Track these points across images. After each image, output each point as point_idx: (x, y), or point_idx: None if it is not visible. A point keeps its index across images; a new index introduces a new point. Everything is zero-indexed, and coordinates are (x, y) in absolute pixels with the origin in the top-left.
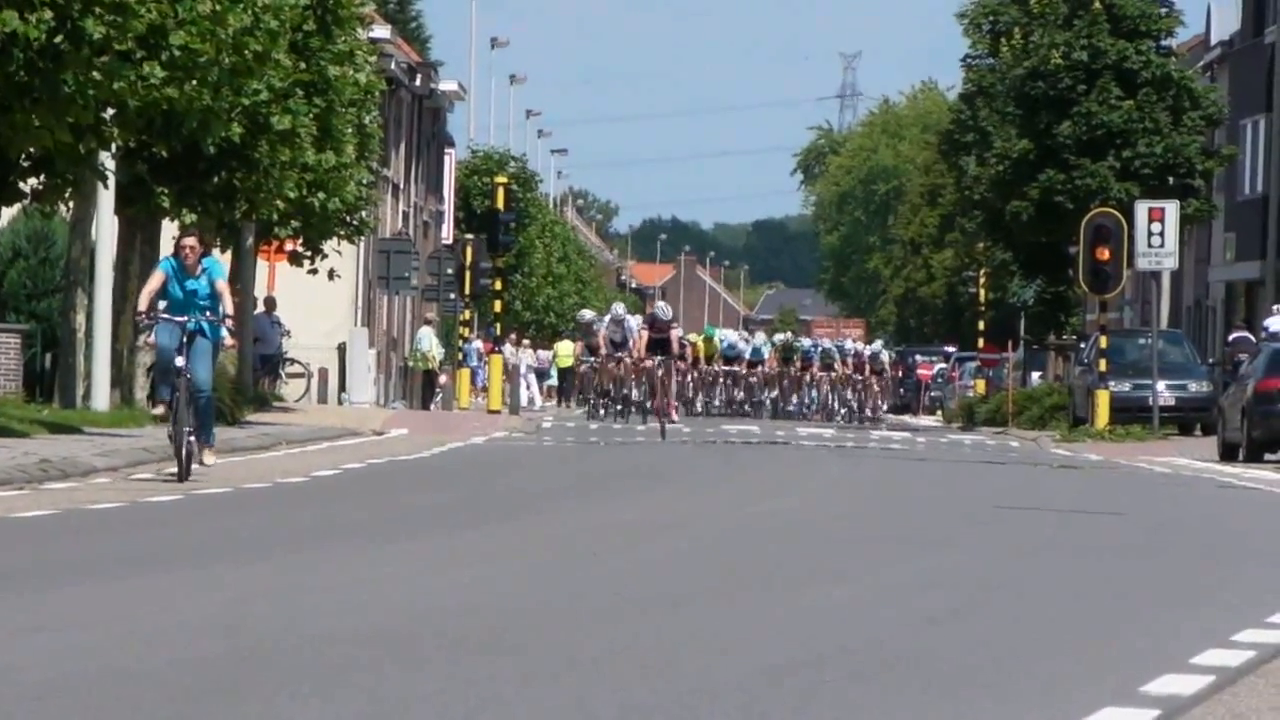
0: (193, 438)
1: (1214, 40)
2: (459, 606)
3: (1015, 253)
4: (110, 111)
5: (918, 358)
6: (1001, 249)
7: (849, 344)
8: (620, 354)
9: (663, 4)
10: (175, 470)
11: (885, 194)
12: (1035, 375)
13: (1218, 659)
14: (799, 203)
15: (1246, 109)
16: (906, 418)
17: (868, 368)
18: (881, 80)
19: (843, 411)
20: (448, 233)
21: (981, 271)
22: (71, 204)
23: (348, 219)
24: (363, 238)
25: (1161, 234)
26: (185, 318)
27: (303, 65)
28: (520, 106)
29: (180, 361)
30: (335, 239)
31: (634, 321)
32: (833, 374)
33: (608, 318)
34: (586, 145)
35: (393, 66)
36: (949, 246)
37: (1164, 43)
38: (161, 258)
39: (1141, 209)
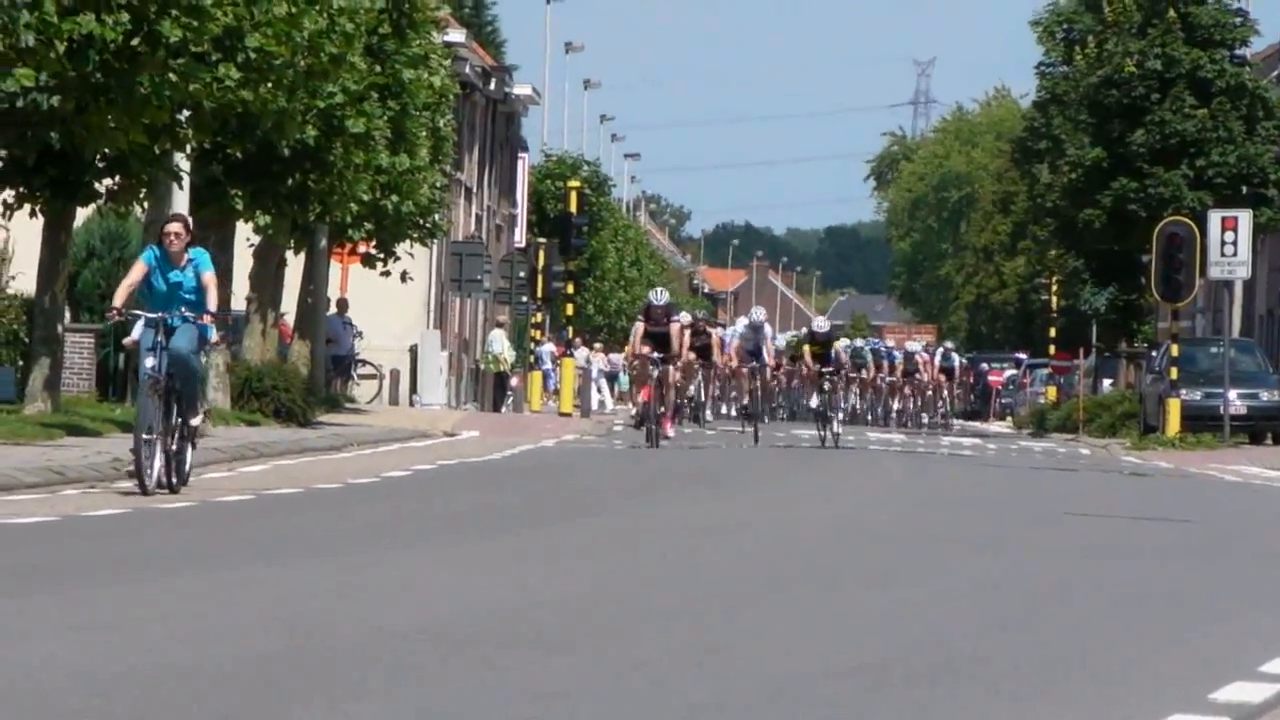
0: (174, 446)
1: None
2: (523, 605)
3: (1087, 260)
4: (185, 113)
5: (989, 364)
6: (1074, 257)
7: (911, 345)
8: (754, 364)
9: (737, 9)
10: (139, 485)
11: (958, 201)
12: (1106, 383)
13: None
14: (871, 209)
15: None
16: (977, 423)
17: (926, 372)
18: (955, 87)
19: (897, 414)
20: (520, 236)
21: (1053, 279)
22: (146, 205)
23: (421, 222)
24: (435, 240)
25: (1234, 243)
26: (166, 314)
27: (378, 68)
28: (594, 111)
29: (151, 362)
30: (408, 241)
31: (769, 329)
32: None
33: (741, 323)
34: (660, 150)
35: (467, 70)
36: (1021, 254)
37: (1238, 52)
38: (144, 248)
39: (1214, 218)
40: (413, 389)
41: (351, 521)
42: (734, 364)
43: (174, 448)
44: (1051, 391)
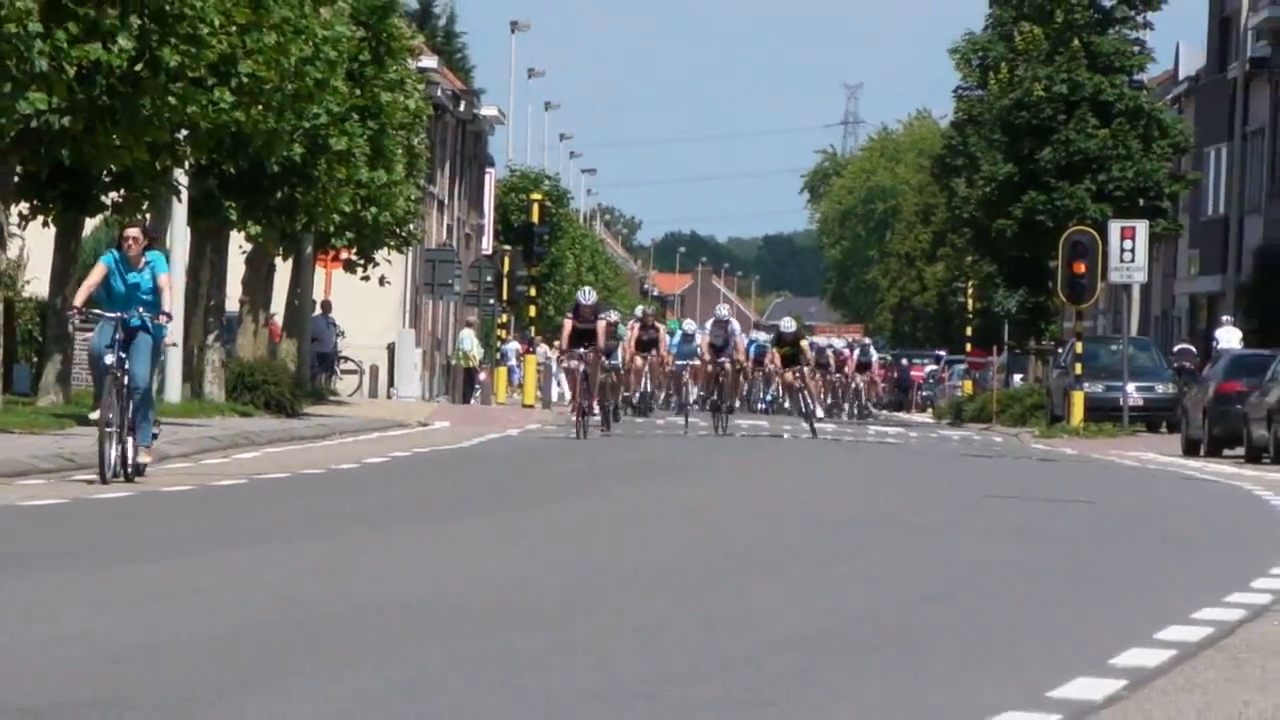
0: (130, 438)
1: (1181, 75)
2: (500, 583)
3: (1000, 266)
4: (184, 132)
5: (911, 360)
6: (988, 263)
7: (836, 341)
8: (722, 359)
9: (684, 38)
10: (98, 472)
11: (883, 212)
12: (1017, 377)
13: (1179, 635)
14: (805, 219)
15: (1210, 138)
16: (901, 414)
17: (850, 364)
18: (881, 109)
19: (828, 405)
20: (488, 244)
21: (969, 283)
22: (148, 216)
23: (397, 231)
24: (410, 248)
25: (1132, 250)
26: (125, 314)
27: (358, 91)
28: (554, 130)
29: (110, 359)
30: (386, 249)
31: (737, 325)
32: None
33: (709, 322)
34: (613, 165)
35: (439, 93)
36: (940, 260)
37: (1136, 77)
38: (103, 251)
39: (1115, 228)
40: (390, 383)
41: (339, 505)
42: (705, 357)
43: (128, 440)
44: (968, 385)
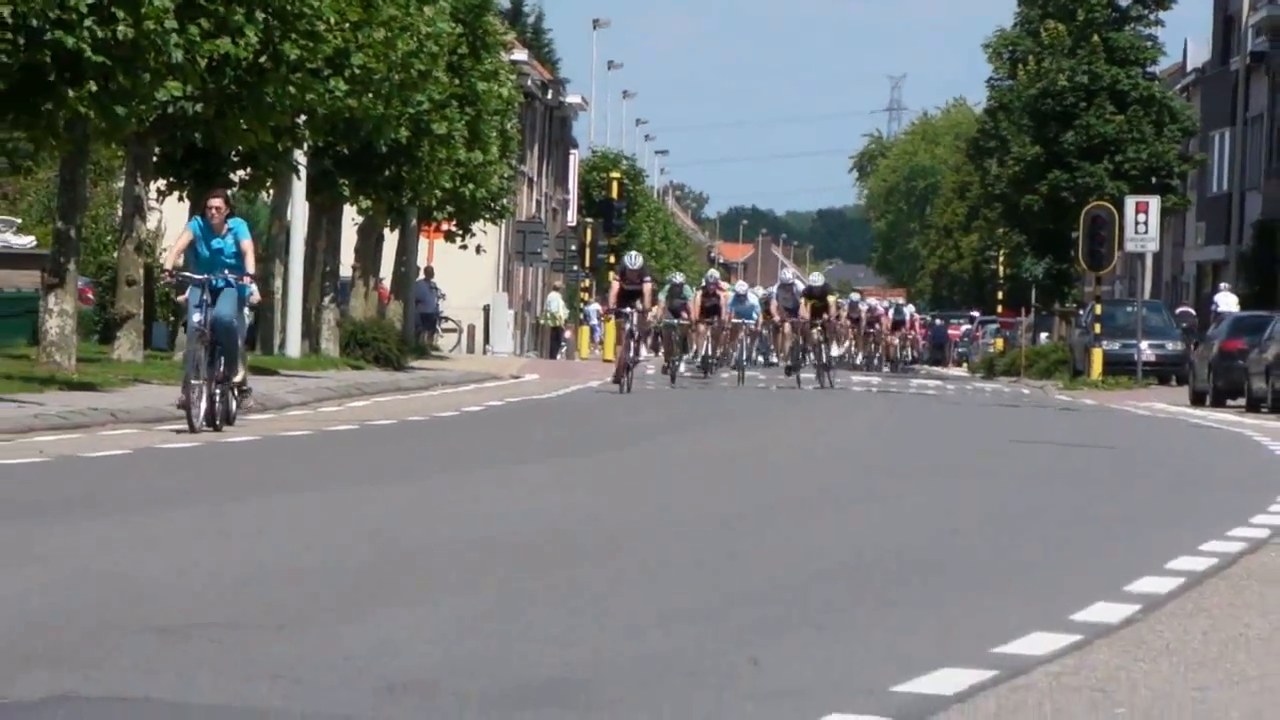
0: (219, 389)
1: (1189, 67)
2: (571, 521)
3: (1028, 237)
4: (303, 118)
5: (948, 320)
6: (1017, 234)
7: (872, 300)
8: (793, 319)
9: (747, 34)
10: (187, 422)
11: (924, 189)
12: (1043, 335)
13: (1187, 565)
14: (854, 195)
15: (1215, 123)
16: (939, 369)
17: (884, 321)
18: (922, 97)
19: (864, 360)
20: (572, 217)
21: (1000, 252)
22: (271, 192)
23: (492, 205)
24: (503, 220)
25: (1146, 223)
26: (211, 275)
27: (457, 81)
28: (631, 115)
29: (197, 317)
30: (481, 221)
31: (801, 286)
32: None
33: (775, 287)
34: (684, 147)
35: (529, 83)
36: (974, 231)
37: (1149, 69)
38: (189, 218)
39: (1130, 203)
40: (486, 340)
41: (435, 449)
42: (777, 319)
43: (217, 393)
44: (999, 343)
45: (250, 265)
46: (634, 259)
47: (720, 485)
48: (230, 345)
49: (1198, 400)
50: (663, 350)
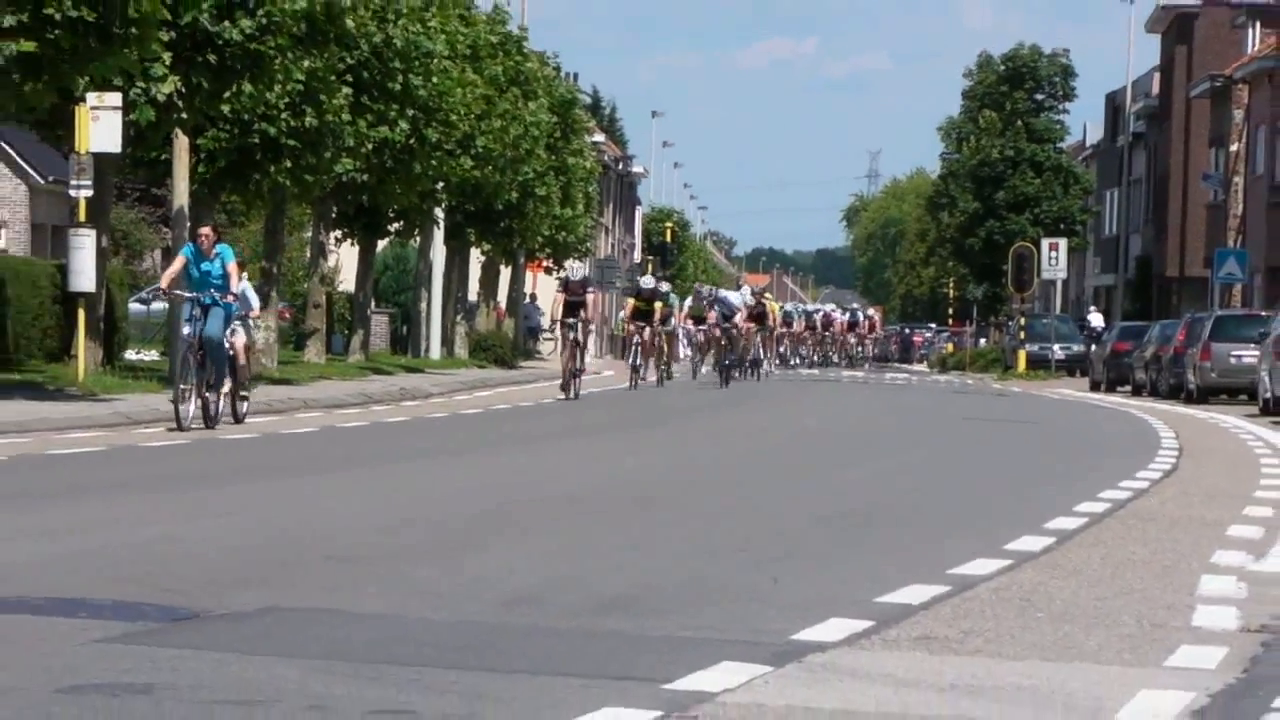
0: (208, 393)
1: (1087, 143)
2: (626, 480)
3: (971, 268)
4: (441, 185)
5: (913, 330)
6: (963, 266)
7: (825, 307)
8: (728, 325)
9: (763, 120)
10: (175, 422)
11: (894, 234)
12: (982, 340)
13: (1089, 508)
14: (844, 239)
15: (1106, 184)
16: (906, 365)
17: (837, 325)
18: (893, 166)
19: (815, 358)
20: (637, 255)
21: (951, 279)
22: (418, 238)
23: (578, 247)
24: (587, 257)
25: (1057, 258)
26: (200, 294)
27: (553, 157)
28: (680, 180)
29: (187, 330)
30: (571, 258)
31: (735, 297)
32: (789, 331)
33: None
34: (719, 202)
35: (605, 157)
36: (932, 265)
37: (1058, 145)
38: (185, 244)
39: (1045, 243)
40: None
41: (535, 426)
42: (710, 326)
43: (209, 397)
44: (950, 346)
45: (234, 285)
46: (576, 271)
47: (743, 451)
48: (219, 359)
49: (1095, 387)
50: (712, 352)
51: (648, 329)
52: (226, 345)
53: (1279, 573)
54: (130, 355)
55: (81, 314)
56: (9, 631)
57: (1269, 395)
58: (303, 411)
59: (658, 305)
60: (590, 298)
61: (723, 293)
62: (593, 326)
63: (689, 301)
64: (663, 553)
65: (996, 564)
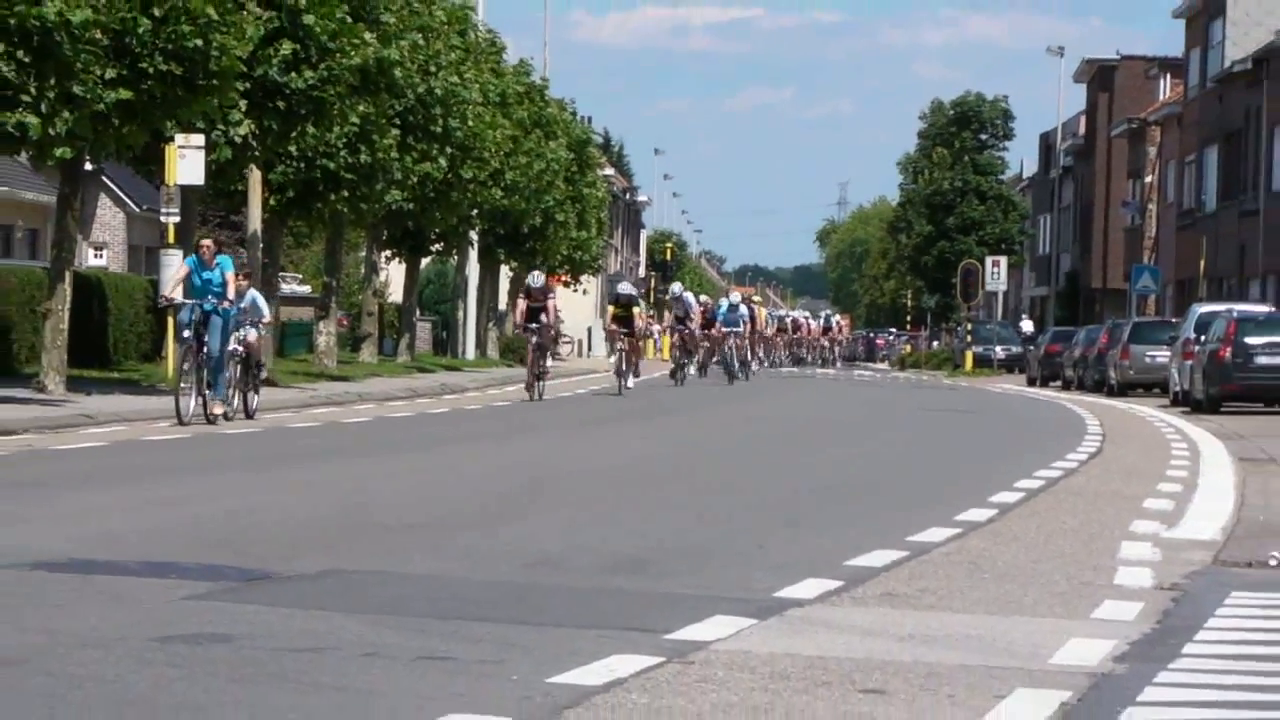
0: (207, 392)
1: (1024, 176)
2: (645, 458)
3: (925, 282)
4: (475, 212)
5: (876, 333)
6: (918, 280)
7: (794, 313)
8: (680, 326)
9: (749, 156)
10: (176, 416)
11: (860, 253)
12: (935, 343)
13: (1026, 485)
14: (818, 256)
15: (1040, 210)
16: (870, 364)
17: (807, 330)
18: (859, 195)
19: (794, 359)
20: (642, 271)
21: (909, 291)
22: (456, 257)
23: (592, 264)
24: (599, 274)
25: (998, 273)
26: (200, 301)
27: (570, 188)
28: (678, 208)
29: (187, 334)
30: (586, 274)
31: (690, 297)
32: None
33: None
34: (711, 225)
35: (614, 188)
36: (892, 279)
37: (1000, 177)
38: (187, 255)
39: (989, 260)
40: (589, 349)
41: (563, 414)
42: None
43: (208, 394)
44: (908, 348)
45: (231, 293)
46: (536, 279)
47: (730, 436)
48: (217, 369)
49: (1031, 383)
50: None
51: (629, 335)
52: (237, 346)
53: (1188, 539)
54: None
55: (170, 321)
56: (113, 590)
57: (1178, 389)
58: (358, 404)
59: (635, 311)
60: (550, 303)
61: (688, 296)
62: (554, 331)
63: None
64: (665, 522)
65: (948, 532)
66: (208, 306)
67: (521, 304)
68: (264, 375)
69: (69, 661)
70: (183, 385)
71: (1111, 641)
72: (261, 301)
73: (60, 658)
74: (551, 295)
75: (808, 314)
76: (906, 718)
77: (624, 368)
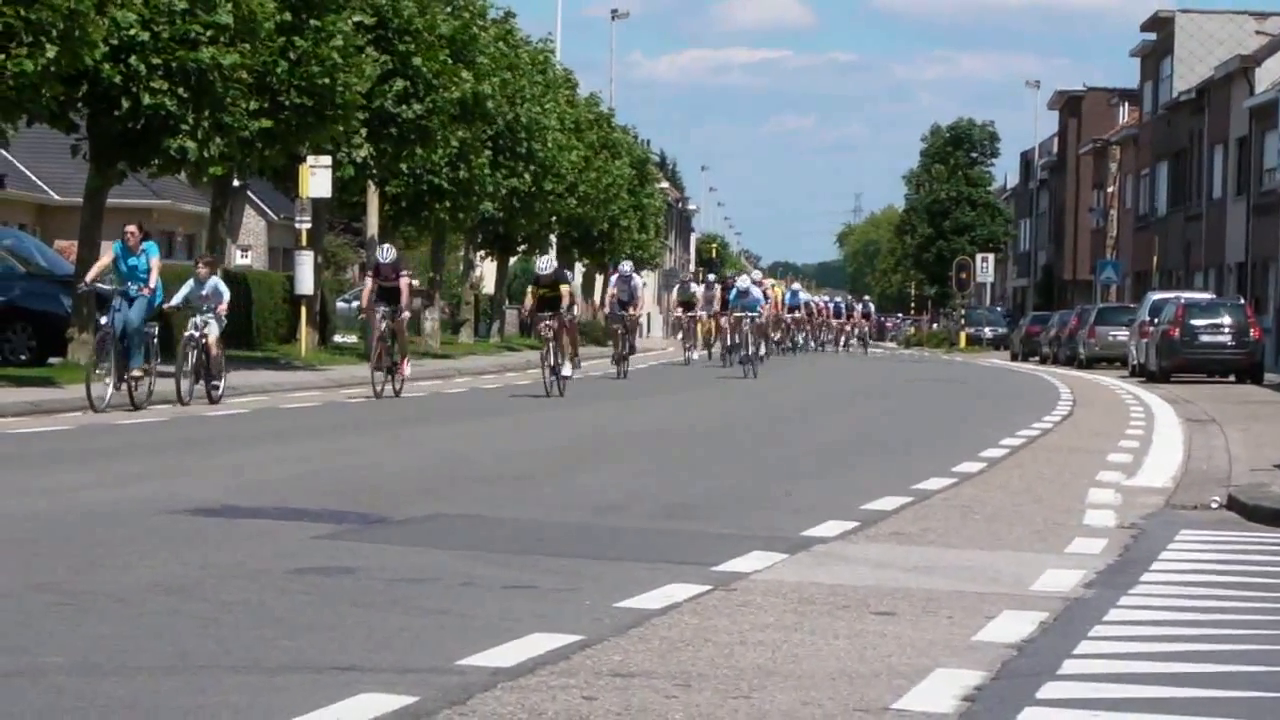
0: (137, 372)
1: (1007, 187)
2: (678, 423)
3: (927, 275)
4: (554, 218)
5: (887, 317)
6: (921, 274)
7: (818, 298)
8: (623, 312)
9: (780, 171)
10: (89, 405)
11: (873, 251)
12: (935, 325)
13: (1010, 442)
14: (838, 254)
15: (1021, 215)
16: (882, 343)
17: (824, 313)
18: (871, 203)
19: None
20: (692, 267)
21: (913, 283)
22: (538, 255)
23: (650, 262)
24: (657, 268)
25: (987, 268)
26: (125, 286)
27: (632, 198)
28: (722, 214)
29: (105, 320)
30: (646, 269)
31: (638, 280)
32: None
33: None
34: (750, 227)
35: (669, 198)
36: (899, 273)
37: (988, 188)
38: (115, 242)
39: (979, 257)
40: (648, 331)
41: (618, 387)
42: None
43: (128, 376)
44: (913, 329)
45: (154, 280)
46: (545, 265)
47: (749, 405)
48: (135, 343)
49: (1014, 358)
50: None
51: (555, 318)
52: (193, 333)
53: (1144, 486)
54: (337, 339)
55: (303, 310)
56: (256, 530)
57: (1135, 363)
58: (457, 377)
59: (563, 289)
60: (565, 289)
61: (628, 274)
62: (569, 318)
63: (675, 291)
64: (710, 473)
65: (945, 481)
66: (131, 292)
67: (370, 283)
68: (216, 370)
69: (221, 589)
70: (98, 371)
71: (1081, 571)
72: (223, 287)
73: (214, 586)
74: (406, 273)
75: (828, 299)
76: (912, 635)
77: (554, 359)
